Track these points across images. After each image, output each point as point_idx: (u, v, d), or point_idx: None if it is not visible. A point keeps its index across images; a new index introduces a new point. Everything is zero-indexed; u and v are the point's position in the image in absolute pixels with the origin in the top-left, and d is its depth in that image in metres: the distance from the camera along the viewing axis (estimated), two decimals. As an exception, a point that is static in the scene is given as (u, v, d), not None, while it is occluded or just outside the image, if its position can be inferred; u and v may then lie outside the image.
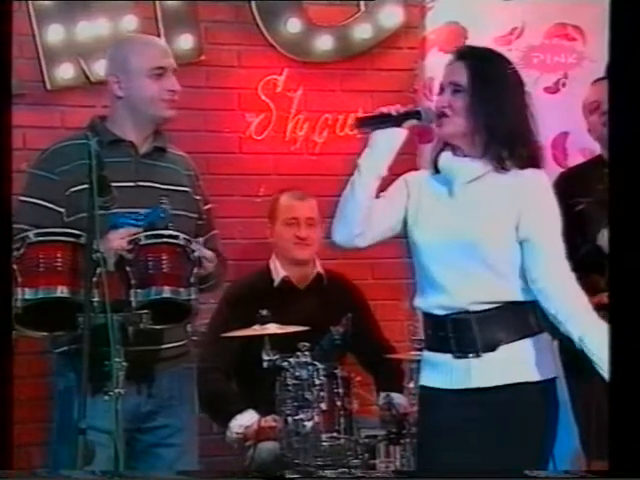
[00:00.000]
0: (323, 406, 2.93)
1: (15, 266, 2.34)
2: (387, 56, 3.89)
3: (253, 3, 3.77)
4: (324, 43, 3.84)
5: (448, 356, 2.29)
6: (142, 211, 2.50)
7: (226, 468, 3.52)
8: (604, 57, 2.76)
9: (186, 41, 3.68)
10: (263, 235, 3.63)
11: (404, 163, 2.46)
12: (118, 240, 2.42)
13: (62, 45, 3.54)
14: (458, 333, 2.27)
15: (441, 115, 2.29)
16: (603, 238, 2.87)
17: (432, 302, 2.31)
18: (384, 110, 2.32)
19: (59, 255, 2.36)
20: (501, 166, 2.27)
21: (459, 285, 2.26)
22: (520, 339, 2.26)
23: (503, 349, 2.25)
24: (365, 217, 2.31)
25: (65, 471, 2.40)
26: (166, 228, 2.49)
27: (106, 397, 2.29)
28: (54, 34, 3.54)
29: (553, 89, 3.86)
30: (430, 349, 2.35)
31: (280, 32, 3.79)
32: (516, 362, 2.25)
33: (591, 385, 2.74)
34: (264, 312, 3.04)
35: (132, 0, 3.63)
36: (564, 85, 3.83)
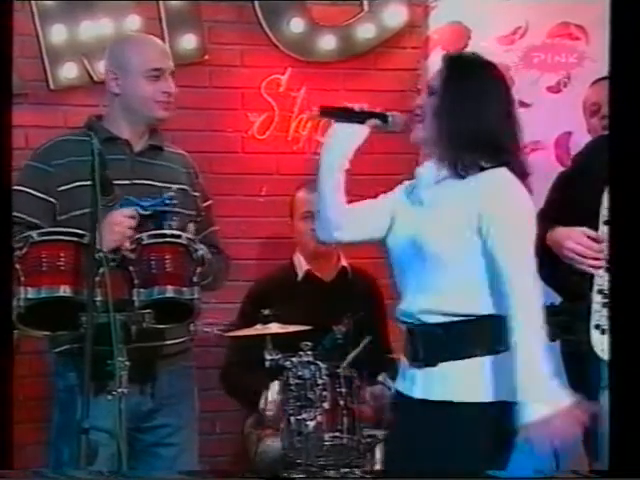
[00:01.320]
0: (326, 406, 2.93)
1: (18, 265, 2.34)
2: (390, 56, 3.88)
3: (256, 3, 3.76)
4: (327, 43, 3.84)
5: (405, 361, 2.30)
6: (148, 198, 2.52)
7: (228, 468, 3.52)
8: (607, 57, 2.75)
9: (189, 41, 3.68)
10: (266, 234, 3.64)
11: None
12: (121, 217, 2.42)
13: (65, 45, 3.55)
14: (409, 342, 2.27)
15: (413, 118, 2.29)
16: (550, 237, 2.80)
17: (398, 307, 2.31)
18: (348, 105, 2.33)
19: (62, 254, 2.36)
20: (457, 171, 2.23)
21: (413, 293, 2.25)
22: (463, 358, 2.20)
23: (443, 366, 2.21)
24: (339, 211, 2.30)
25: (68, 471, 2.40)
26: (169, 227, 2.51)
27: (109, 397, 2.29)
28: (57, 34, 3.54)
29: (556, 89, 3.86)
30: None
31: (283, 32, 3.79)
32: (453, 381, 2.20)
33: (593, 388, 2.73)
34: (266, 311, 3.04)
35: (135, 0, 3.63)
36: (567, 85, 3.83)
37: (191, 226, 2.62)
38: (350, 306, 3.25)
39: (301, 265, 3.46)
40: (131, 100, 2.65)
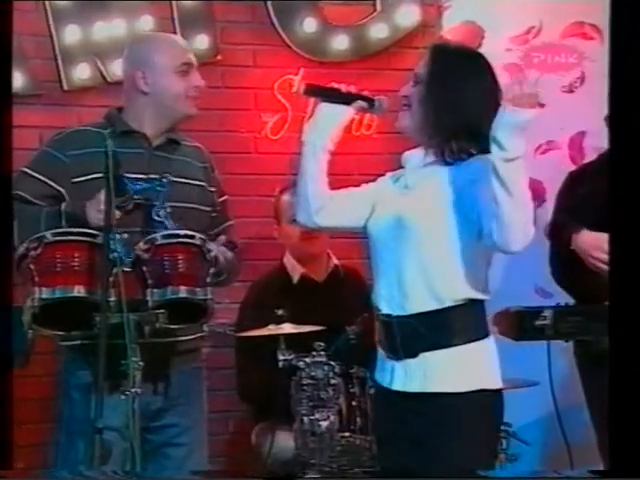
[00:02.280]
0: (339, 406, 2.93)
1: (32, 266, 2.35)
2: (403, 56, 3.87)
3: (269, 3, 3.76)
4: (340, 43, 3.84)
5: (383, 354, 2.28)
6: (141, 182, 2.52)
7: (239, 468, 3.53)
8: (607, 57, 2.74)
9: (202, 41, 3.68)
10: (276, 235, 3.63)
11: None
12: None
13: (79, 45, 3.56)
14: (386, 334, 2.25)
15: (402, 107, 2.29)
16: (576, 242, 2.78)
17: (378, 293, 2.28)
18: (335, 85, 2.33)
19: (76, 255, 2.37)
20: (444, 158, 2.22)
21: (394, 277, 2.22)
22: (442, 348, 2.17)
23: (421, 357, 2.19)
24: (320, 192, 2.30)
25: (81, 470, 2.40)
26: (157, 215, 2.52)
27: (122, 396, 2.29)
28: (71, 34, 3.55)
29: (569, 88, 3.85)
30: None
31: (296, 32, 3.79)
32: (433, 372, 2.18)
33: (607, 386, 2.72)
34: (279, 312, 3.04)
35: (148, 0, 3.63)
36: (581, 84, 3.82)
37: (222, 238, 2.63)
38: (347, 304, 3.24)
39: (295, 268, 3.43)
40: (164, 97, 2.64)
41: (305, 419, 2.92)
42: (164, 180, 2.55)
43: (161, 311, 2.38)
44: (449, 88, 2.23)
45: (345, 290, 3.42)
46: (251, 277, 3.44)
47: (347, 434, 2.97)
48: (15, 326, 2.50)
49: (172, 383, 2.62)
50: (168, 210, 2.54)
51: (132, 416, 2.28)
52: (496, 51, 3.65)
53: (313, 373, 2.93)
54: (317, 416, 2.90)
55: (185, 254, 2.44)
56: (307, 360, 2.95)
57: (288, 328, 3.03)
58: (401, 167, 2.37)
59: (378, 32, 3.86)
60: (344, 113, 2.31)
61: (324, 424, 2.90)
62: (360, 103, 2.32)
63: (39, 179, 2.60)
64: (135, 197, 2.50)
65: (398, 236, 2.22)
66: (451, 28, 3.85)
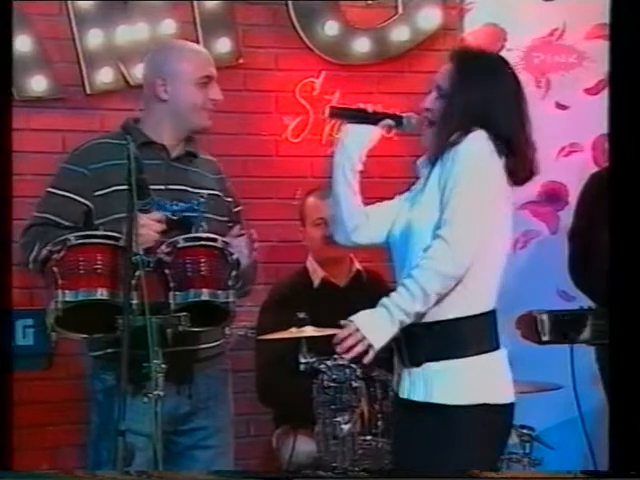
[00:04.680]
0: (360, 409, 2.93)
1: (55, 268, 2.36)
2: (425, 58, 3.87)
3: (290, 6, 3.77)
4: (361, 45, 3.84)
5: (395, 361, 2.28)
6: (178, 203, 2.54)
7: (261, 469, 3.53)
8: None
9: (224, 45, 3.70)
10: (301, 237, 3.64)
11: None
12: (148, 220, 2.41)
13: (102, 49, 3.57)
14: (395, 341, 2.23)
15: (425, 122, 2.26)
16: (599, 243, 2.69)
17: None
18: (361, 105, 2.32)
19: (99, 258, 2.37)
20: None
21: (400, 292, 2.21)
22: (446, 359, 2.16)
23: (426, 367, 2.18)
24: (354, 212, 2.29)
25: (101, 471, 2.42)
26: (204, 230, 2.52)
27: (145, 399, 2.30)
28: (94, 38, 3.57)
29: (594, 90, 3.82)
30: None
31: (317, 34, 3.79)
32: (436, 382, 2.16)
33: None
34: (301, 315, 3.04)
35: (170, 0, 3.64)
36: (605, 86, 3.79)
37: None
38: (367, 308, 3.22)
39: (316, 271, 3.43)
40: (181, 107, 2.65)
41: (327, 422, 2.92)
42: (201, 199, 2.56)
43: (183, 314, 2.39)
44: (473, 97, 2.20)
45: (367, 294, 3.39)
46: (272, 280, 3.45)
47: (369, 437, 2.96)
48: (38, 328, 2.52)
49: (200, 386, 2.62)
50: (206, 227, 2.55)
51: (155, 419, 2.28)
52: (516, 53, 3.64)
53: (335, 376, 2.93)
54: (339, 419, 2.90)
55: (207, 257, 2.44)
56: (329, 363, 2.94)
57: (310, 331, 3.03)
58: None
59: (399, 35, 3.86)
60: (371, 134, 2.29)
61: (346, 427, 2.90)
62: (388, 122, 2.30)
63: (64, 196, 2.60)
64: (174, 217, 2.51)
65: (407, 242, 2.22)
66: (473, 30, 3.85)
